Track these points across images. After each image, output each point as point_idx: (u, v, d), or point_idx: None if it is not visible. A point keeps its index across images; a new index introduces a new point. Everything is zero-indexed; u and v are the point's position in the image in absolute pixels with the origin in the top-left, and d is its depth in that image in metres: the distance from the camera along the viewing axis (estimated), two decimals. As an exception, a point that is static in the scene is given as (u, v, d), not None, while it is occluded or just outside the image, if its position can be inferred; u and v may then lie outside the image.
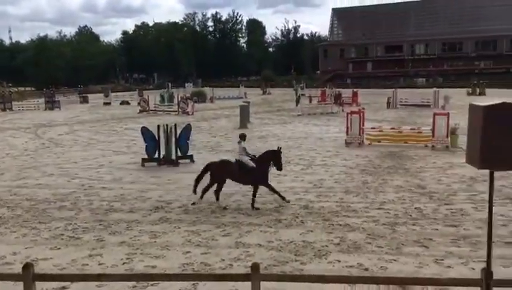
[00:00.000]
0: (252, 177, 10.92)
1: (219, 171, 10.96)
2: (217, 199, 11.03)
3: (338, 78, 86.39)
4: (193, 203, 11.12)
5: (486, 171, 4.45)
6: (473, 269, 7.30)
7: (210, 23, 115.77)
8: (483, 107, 4.51)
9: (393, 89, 43.97)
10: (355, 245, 8.55)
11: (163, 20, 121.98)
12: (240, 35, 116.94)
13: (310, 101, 44.42)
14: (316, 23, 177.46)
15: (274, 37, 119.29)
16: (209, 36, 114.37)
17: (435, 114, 19.84)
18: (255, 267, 4.83)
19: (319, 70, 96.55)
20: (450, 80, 77.56)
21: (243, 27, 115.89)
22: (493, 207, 10.74)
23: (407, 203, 11.39)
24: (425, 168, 15.71)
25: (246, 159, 11.07)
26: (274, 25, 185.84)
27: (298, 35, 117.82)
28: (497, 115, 4.45)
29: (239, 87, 62.20)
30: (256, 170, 10.87)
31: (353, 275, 6.46)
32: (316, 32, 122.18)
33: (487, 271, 4.84)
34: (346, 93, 45.74)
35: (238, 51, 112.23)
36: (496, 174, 4.60)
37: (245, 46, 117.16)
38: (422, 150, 19.21)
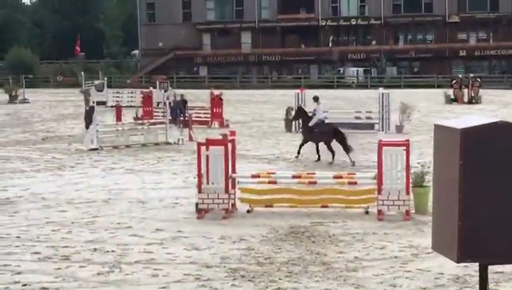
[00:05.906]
0: None
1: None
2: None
3: (185, 63, 61.84)
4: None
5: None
6: None
7: None
8: (460, 131, 3.43)
9: (298, 92, 28.40)
10: None
11: None
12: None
13: (119, 119, 27.31)
14: None
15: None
16: None
17: (381, 144, 13.37)
18: None
19: (138, 49, 69.81)
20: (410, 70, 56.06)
21: None
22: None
23: None
24: (366, 261, 10.84)
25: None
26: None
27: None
28: (484, 153, 3.39)
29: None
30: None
31: None
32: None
33: None
34: (202, 97, 36.25)
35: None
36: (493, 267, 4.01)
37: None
38: (360, 218, 13.47)
